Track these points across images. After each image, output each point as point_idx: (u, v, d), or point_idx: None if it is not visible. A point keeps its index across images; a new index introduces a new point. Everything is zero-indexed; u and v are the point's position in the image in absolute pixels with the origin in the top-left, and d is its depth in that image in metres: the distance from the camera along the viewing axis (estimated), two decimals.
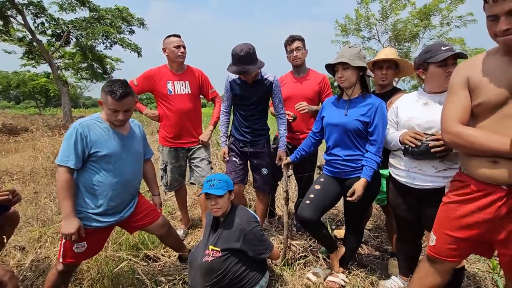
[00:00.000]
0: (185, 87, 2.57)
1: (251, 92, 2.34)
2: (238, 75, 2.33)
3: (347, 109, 1.89)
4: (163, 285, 1.93)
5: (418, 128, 1.63)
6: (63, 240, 1.63)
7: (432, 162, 1.58)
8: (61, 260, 1.66)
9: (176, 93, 2.55)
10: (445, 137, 1.26)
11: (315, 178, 2.97)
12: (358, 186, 1.79)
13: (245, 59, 2.11)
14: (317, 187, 2.00)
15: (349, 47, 1.87)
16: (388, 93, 2.20)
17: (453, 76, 1.29)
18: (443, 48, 1.57)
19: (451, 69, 1.52)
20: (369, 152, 1.83)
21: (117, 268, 1.95)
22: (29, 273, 2.05)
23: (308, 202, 1.94)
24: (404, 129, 1.71)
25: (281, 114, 2.45)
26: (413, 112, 1.68)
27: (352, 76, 1.83)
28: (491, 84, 1.13)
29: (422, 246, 2.01)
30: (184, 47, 2.50)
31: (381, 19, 14.82)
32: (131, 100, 1.64)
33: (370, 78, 2.12)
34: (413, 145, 1.59)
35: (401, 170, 1.72)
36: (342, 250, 2.10)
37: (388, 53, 2.16)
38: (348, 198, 1.83)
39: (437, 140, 1.50)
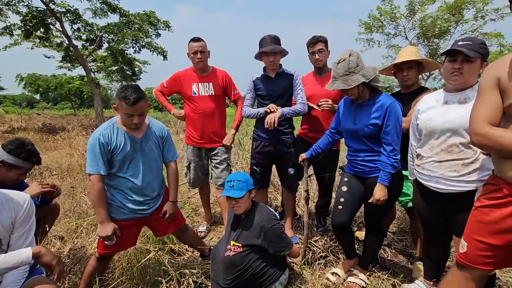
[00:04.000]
0: (208, 88, 2.65)
1: (274, 85, 2.46)
2: (262, 73, 2.52)
3: (356, 116, 1.89)
4: (187, 277, 2.02)
5: (436, 131, 1.58)
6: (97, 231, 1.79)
7: (454, 166, 1.53)
8: (96, 250, 1.85)
9: (200, 94, 2.65)
10: (473, 138, 1.22)
11: (336, 179, 2.98)
12: (377, 192, 1.79)
13: (273, 39, 2.41)
14: (344, 189, 2.02)
15: (338, 62, 1.78)
16: (415, 92, 2.14)
17: (483, 76, 1.25)
18: (459, 43, 1.50)
19: (457, 66, 1.48)
20: (383, 155, 1.79)
21: (145, 259, 2.07)
22: (68, 260, 2.23)
23: (340, 207, 1.99)
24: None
25: (301, 102, 2.45)
26: (431, 113, 1.63)
27: (356, 89, 1.79)
28: None
29: (451, 251, 1.94)
30: (201, 52, 2.53)
31: (408, 14, 14.10)
32: (144, 104, 1.72)
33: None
34: None
35: (423, 173, 1.68)
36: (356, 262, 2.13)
37: (407, 54, 2.10)
38: (370, 201, 1.83)
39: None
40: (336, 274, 2.08)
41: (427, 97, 1.74)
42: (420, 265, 2.12)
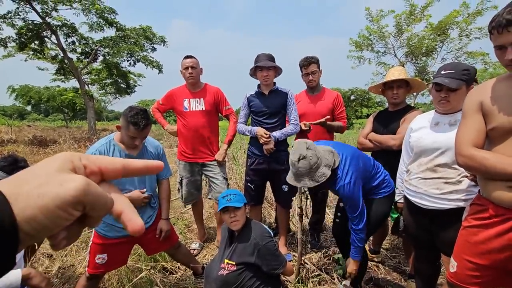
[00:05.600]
0: (199, 104, 2.69)
1: (268, 102, 2.50)
2: (256, 90, 2.58)
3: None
4: None
5: (425, 150, 1.65)
6: (88, 250, 1.77)
7: (438, 184, 1.59)
8: (86, 269, 1.82)
9: (191, 110, 2.68)
10: (458, 159, 1.27)
11: (329, 194, 3.01)
12: (349, 265, 1.85)
13: (268, 56, 2.50)
14: (341, 204, 2.09)
15: (298, 160, 1.69)
16: (401, 110, 2.23)
17: (466, 101, 1.31)
18: (442, 72, 1.59)
19: (444, 95, 1.56)
20: (352, 233, 1.81)
21: (136, 278, 2.03)
22: (56, 280, 2.17)
23: (337, 220, 2.11)
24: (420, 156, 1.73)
25: (292, 122, 2.52)
26: (422, 132, 1.70)
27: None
28: (504, 110, 1.14)
29: (442, 268, 1.96)
30: (193, 67, 2.60)
31: (396, 34, 14.73)
32: (149, 129, 1.79)
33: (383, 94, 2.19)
34: None
35: (410, 188, 1.74)
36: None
37: (397, 73, 2.21)
38: (346, 276, 1.91)
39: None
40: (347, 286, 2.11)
41: (420, 117, 1.82)
42: (413, 282, 2.12)
